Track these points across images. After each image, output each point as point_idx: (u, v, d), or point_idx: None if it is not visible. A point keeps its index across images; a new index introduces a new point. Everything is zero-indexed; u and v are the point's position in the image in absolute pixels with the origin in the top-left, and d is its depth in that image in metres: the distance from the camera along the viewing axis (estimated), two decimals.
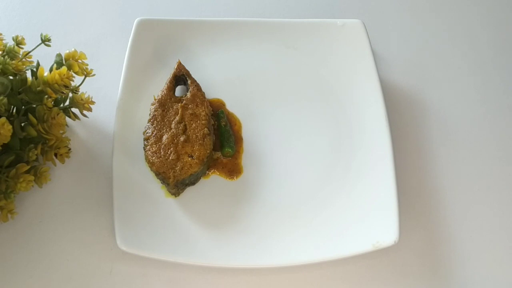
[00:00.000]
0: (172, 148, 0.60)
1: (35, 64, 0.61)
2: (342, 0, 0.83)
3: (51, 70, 0.59)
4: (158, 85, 0.66)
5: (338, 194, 0.63)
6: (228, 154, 0.65)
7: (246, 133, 0.67)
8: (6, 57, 0.57)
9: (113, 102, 0.66)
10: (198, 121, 0.63)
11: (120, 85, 0.66)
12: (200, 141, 0.61)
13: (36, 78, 0.57)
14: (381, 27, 0.79)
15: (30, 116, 0.57)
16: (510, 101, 0.73)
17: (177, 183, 0.60)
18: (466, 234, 0.63)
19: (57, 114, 0.58)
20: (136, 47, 0.69)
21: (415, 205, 0.64)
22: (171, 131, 0.62)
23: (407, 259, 0.61)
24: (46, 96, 0.58)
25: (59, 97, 0.62)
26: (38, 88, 0.57)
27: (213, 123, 0.66)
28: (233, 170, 0.64)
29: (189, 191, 0.63)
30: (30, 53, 0.60)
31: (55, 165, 0.64)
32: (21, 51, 0.59)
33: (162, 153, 0.60)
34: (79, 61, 0.60)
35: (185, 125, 0.62)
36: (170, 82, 0.66)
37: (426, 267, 0.61)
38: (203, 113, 0.64)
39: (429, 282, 0.60)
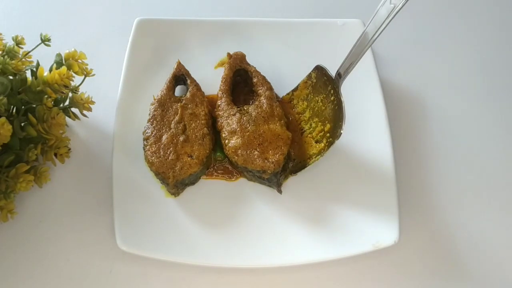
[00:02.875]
0: (171, 148, 0.60)
1: (35, 64, 0.61)
2: (342, 0, 0.83)
3: (51, 70, 0.59)
4: (158, 85, 0.66)
5: (338, 194, 0.63)
6: (220, 159, 0.64)
7: None
8: (6, 57, 0.57)
9: (113, 102, 0.66)
10: (198, 121, 0.63)
11: (120, 85, 0.66)
12: (200, 141, 0.61)
13: (36, 78, 0.57)
14: None
15: (30, 116, 0.57)
16: (510, 100, 0.73)
17: (176, 183, 0.60)
18: (466, 234, 0.63)
19: (57, 114, 0.58)
20: (136, 47, 0.69)
21: (415, 205, 0.64)
22: (171, 131, 0.62)
23: (407, 259, 0.61)
24: (46, 96, 0.58)
25: (59, 97, 0.62)
26: (38, 88, 0.57)
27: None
28: (233, 170, 0.64)
29: (189, 191, 0.63)
30: (30, 53, 0.60)
31: (55, 165, 0.64)
32: (21, 51, 0.60)
33: (162, 153, 0.60)
34: (79, 61, 0.60)
35: (184, 125, 0.62)
36: (170, 82, 0.66)
37: (426, 267, 0.60)
38: (202, 113, 0.64)
39: (429, 282, 0.60)
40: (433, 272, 0.60)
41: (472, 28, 0.80)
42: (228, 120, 0.62)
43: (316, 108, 0.64)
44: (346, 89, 0.69)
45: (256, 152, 0.60)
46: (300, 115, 0.65)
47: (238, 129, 0.61)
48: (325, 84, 0.63)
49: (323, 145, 0.62)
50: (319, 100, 0.64)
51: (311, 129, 0.64)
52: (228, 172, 0.64)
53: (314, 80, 0.65)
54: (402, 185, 0.63)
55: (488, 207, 0.65)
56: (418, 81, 0.75)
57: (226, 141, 0.61)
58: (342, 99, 0.60)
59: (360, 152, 0.65)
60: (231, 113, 0.63)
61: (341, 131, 0.59)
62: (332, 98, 0.62)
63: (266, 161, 0.59)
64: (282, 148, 0.60)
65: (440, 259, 0.61)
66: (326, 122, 0.62)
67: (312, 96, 0.65)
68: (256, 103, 0.64)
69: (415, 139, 0.69)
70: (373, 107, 0.66)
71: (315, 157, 0.62)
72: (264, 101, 0.63)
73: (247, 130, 0.61)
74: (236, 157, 0.60)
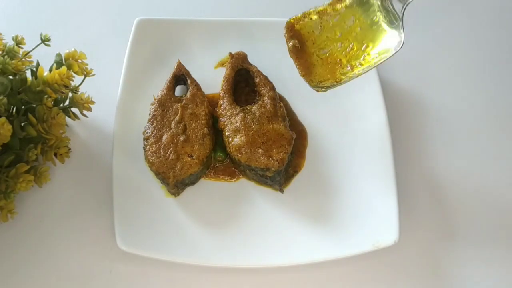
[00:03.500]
0: (171, 148, 0.60)
1: (35, 64, 0.61)
2: None
3: (51, 70, 0.59)
4: (158, 85, 0.66)
5: (338, 194, 0.63)
6: (220, 159, 0.65)
7: None
8: (6, 57, 0.57)
9: (113, 102, 0.66)
10: (198, 121, 0.63)
11: (120, 85, 0.66)
12: (200, 141, 0.61)
13: (36, 78, 0.57)
14: None
15: (30, 116, 0.57)
16: (510, 100, 0.73)
17: (177, 183, 0.60)
18: (466, 234, 0.63)
19: (57, 114, 0.58)
20: (136, 47, 0.69)
21: (415, 205, 0.64)
22: (171, 131, 0.62)
23: (407, 259, 0.61)
24: (46, 96, 0.58)
25: (59, 97, 0.62)
26: (38, 88, 0.57)
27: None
28: (233, 170, 0.64)
29: (189, 191, 0.63)
30: (30, 53, 0.60)
31: (55, 165, 0.64)
32: (21, 51, 0.59)
33: (162, 153, 0.60)
34: (79, 61, 0.60)
35: (184, 125, 0.62)
36: (170, 82, 0.66)
37: (426, 267, 0.61)
38: (202, 113, 0.63)
39: (429, 282, 0.60)
40: (433, 272, 0.60)
41: (472, 28, 0.80)
42: (232, 119, 0.62)
43: (350, 28, 0.59)
44: (347, 89, 0.69)
45: (260, 150, 0.60)
46: (313, 35, 0.61)
47: (242, 127, 0.61)
48: (365, 3, 0.58)
49: (363, 63, 0.58)
50: (356, 19, 0.59)
51: (341, 48, 0.59)
52: (228, 173, 0.64)
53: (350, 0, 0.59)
54: (402, 185, 0.63)
55: (488, 207, 0.65)
56: (418, 81, 0.75)
57: (230, 139, 0.61)
58: (401, 23, 0.55)
59: (360, 152, 0.65)
60: (234, 112, 0.63)
61: (401, 45, 0.55)
62: (375, 19, 0.58)
63: (270, 159, 0.59)
64: (286, 147, 0.61)
65: (440, 259, 0.61)
66: (364, 41, 0.58)
67: (343, 16, 0.59)
68: (260, 102, 0.64)
69: (415, 139, 0.69)
70: (373, 107, 0.66)
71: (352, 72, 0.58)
72: (268, 101, 0.63)
73: (251, 129, 0.61)
74: (240, 155, 0.60)
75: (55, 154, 0.61)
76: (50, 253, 0.60)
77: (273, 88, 0.66)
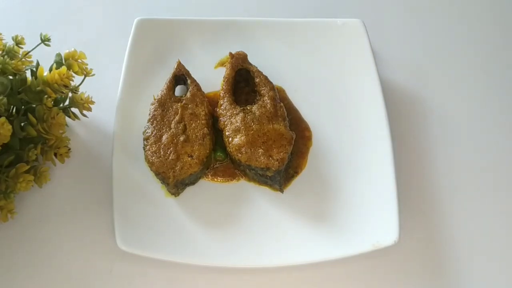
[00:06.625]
0: (171, 148, 0.60)
1: (34, 64, 0.61)
2: (342, 0, 0.83)
3: (50, 70, 0.59)
4: (158, 85, 0.66)
5: (338, 194, 0.62)
6: (220, 159, 0.65)
7: None
8: (5, 57, 0.57)
9: (113, 102, 0.65)
10: (198, 121, 0.63)
11: (120, 85, 0.66)
12: (200, 141, 0.61)
13: (36, 78, 0.57)
14: (381, 27, 0.79)
15: (30, 116, 0.57)
16: (510, 100, 0.73)
17: (176, 183, 0.60)
18: (466, 234, 0.63)
19: (57, 114, 0.59)
20: (136, 47, 0.69)
21: (415, 205, 0.64)
22: (171, 131, 0.62)
23: (407, 259, 0.61)
24: (45, 96, 0.58)
25: (59, 97, 0.62)
26: (38, 88, 0.57)
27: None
28: (233, 171, 0.64)
29: (189, 191, 0.63)
30: (30, 53, 0.60)
31: (54, 165, 0.64)
32: (21, 51, 0.59)
33: (162, 153, 0.60)
34: (79, 60, 0.60)
35: (184, 125, 0.62)
36: (170, 82, 0.66)
37: (426, 267, 0.60)
38: (202, 113, 0.63)
39: (429, 282, 0.60)
40: (433, 272, 0.60)
41: (472, 28, 0.80)
42: (232, 119, 0.62)
43: None
44: (347, 89, 0.69)
45: (260, 150, 0.60)
46: None
47: (242, 127, 0.61)
48: None
49: None
50: None
51: None
52: (229, 174, 0.64)
53: None
54: (402, 185, 0.63)
55: (488, 207, 0.65)
56: (418, 81, 0.75)
57: (230, 138, 0.61)
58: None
59: (360, 152, 0.65)
60: (235, 112, 0.63)
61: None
62: None
63: (270, 158, 0.60)
64: (286, 147, 0.61)
65: (440, 259, 0.61)
66: None
67: None
68: (260, 102, 0.64)
69: (415, 139, 0.69)
70: (373, 107, 0.66)
71: None
72: (268, 101, 0.64)
73: (251, 129, 0.61)
74: (240, 155, 0.60)
75: (55, 154, 0.61)
76: (50, 253, 0.60)
77: (273, 88, 0.66)
